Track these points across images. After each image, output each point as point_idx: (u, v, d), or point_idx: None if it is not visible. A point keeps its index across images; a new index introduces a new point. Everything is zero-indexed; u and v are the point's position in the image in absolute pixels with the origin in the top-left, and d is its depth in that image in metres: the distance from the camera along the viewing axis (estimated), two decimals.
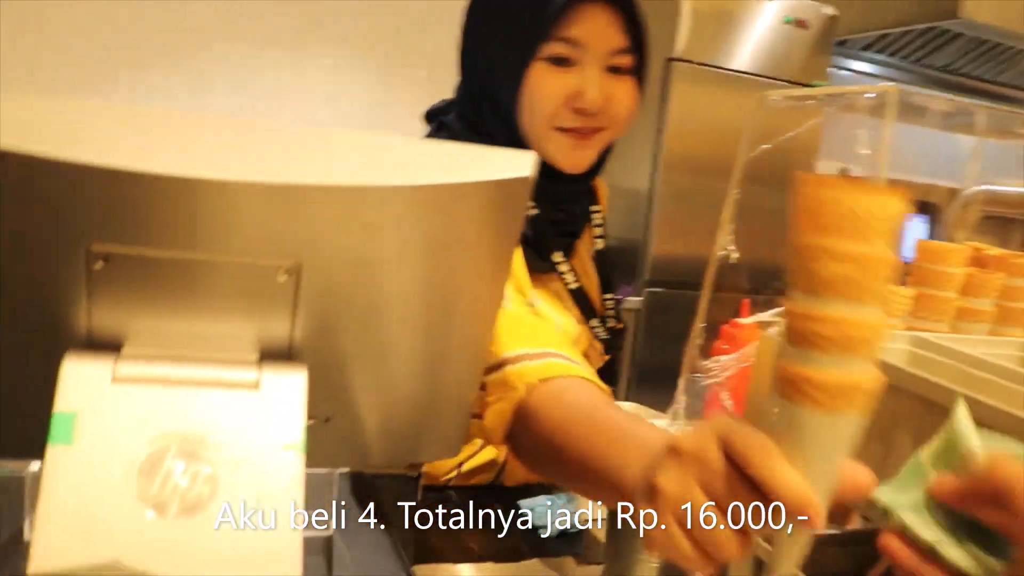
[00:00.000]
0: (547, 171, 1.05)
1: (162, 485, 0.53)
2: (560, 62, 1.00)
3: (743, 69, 3.08)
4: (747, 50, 3.08)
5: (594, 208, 1.19)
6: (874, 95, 0.83)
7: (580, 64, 1.01)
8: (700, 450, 0.52)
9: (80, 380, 0.54)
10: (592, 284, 1.19)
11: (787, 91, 1.02)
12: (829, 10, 3.16)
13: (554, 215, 1.09)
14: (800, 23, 3.11)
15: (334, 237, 0.56)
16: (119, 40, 2.95)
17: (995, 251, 1.19)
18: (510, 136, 1.05)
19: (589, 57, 1.00)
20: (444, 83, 1.19)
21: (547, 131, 1.03)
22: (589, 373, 0.89)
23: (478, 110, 1.08)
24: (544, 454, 0.82)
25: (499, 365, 0.87)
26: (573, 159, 1.05)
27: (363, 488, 0.94)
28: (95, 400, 0.54)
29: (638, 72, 1.06)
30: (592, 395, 0.83)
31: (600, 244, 1.20)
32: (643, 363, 3.04)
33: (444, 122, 1.12)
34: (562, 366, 0.87)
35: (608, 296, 1.20)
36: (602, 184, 1.21)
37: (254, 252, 0.55)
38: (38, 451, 0.53)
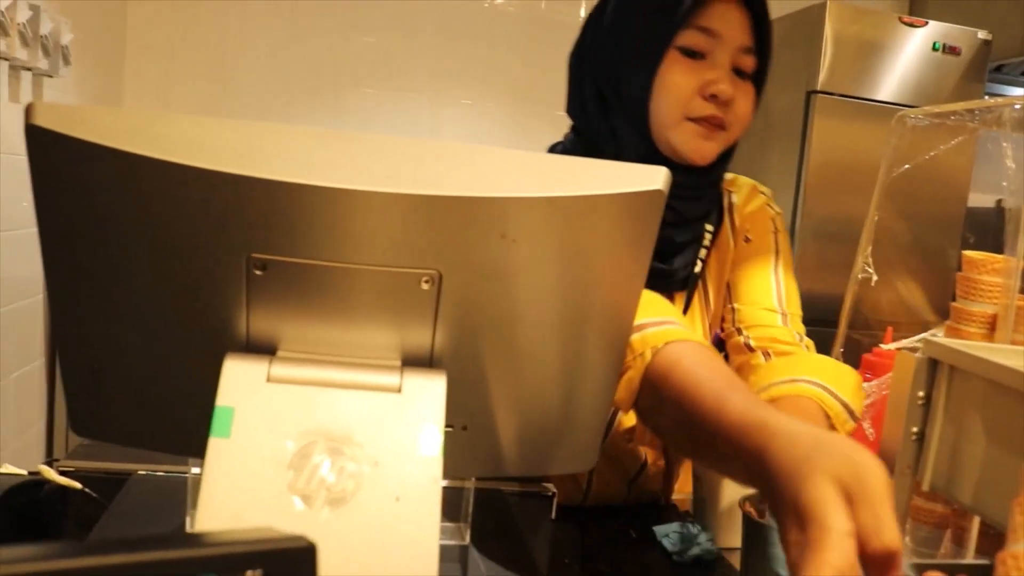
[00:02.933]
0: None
1: (310, 478, 0.56)
2: (693, 55, 1.05)
3: (888, 100, 2.98)
4: (892, 80, 2.98)
5: (707, 228, 1.17)
6: (1020, 107, 0.79)
7: (711, 57, 1.05)
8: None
9: (238, 379, 0.59)
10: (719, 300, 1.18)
11: (927, 108, 0.99)
12: (983, 34, 3.03)
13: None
14: (951, 49, 2.99)
15: (474, 247, 0.59)
16: (276, 82, 3.29)
17: None
18: (634, 129, 1.07)
19: (720, 50, 1.05)
20: None
21: (679, 120, 1.05)
22: (707, 344, 0.89)
23: (598, 109, 1.10)
24: (674, 421, 0.81)
25: None
26: (701, 149, 1.07)
27: (499, 503, 0.95)
28: (251, 397, 0.58)
29: (757, 80, 1.09)
30: (712, 361, 0.82)
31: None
32: None
33: (561, 144, 1.17)
34: (682, 332, 0.88)
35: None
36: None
37: (399, 261, 0.58)
38: (197, 447, 0.58)
